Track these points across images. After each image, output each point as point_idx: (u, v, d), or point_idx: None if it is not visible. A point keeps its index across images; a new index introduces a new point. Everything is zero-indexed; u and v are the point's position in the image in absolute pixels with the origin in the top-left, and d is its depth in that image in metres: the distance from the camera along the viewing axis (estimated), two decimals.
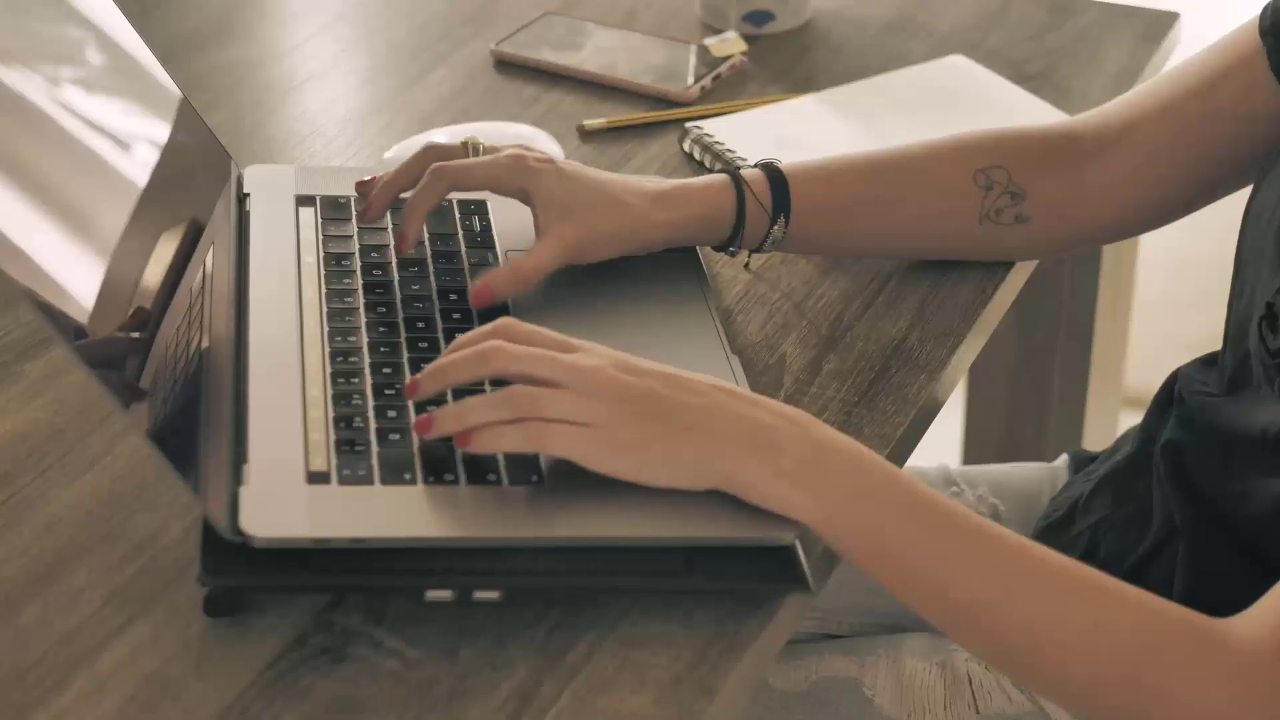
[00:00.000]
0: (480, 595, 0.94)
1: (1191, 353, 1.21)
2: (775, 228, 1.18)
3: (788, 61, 1.53)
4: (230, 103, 1.47)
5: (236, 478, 0.96)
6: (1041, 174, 1.20)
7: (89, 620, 0.96)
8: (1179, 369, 1.19)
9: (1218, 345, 1.15)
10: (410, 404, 1.03)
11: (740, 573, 0.96)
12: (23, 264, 0.91)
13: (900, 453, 1.11)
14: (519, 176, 1.14)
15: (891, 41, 1.55)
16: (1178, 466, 1.13)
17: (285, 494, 0.96)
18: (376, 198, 1.17)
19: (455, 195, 1.22)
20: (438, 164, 1.14)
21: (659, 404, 0.96)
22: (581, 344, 0.99)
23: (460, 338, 1.01)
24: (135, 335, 0.98)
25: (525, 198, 1.14)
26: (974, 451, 1.85)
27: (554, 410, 0.96)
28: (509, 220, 1.21)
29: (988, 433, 1.82)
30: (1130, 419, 1.78)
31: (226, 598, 0.96)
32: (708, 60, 1.50)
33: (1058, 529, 1.22)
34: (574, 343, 0.99)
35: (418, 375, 1.00)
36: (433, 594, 0.94)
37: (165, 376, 0.98)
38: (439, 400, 1.01)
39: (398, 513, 0.96)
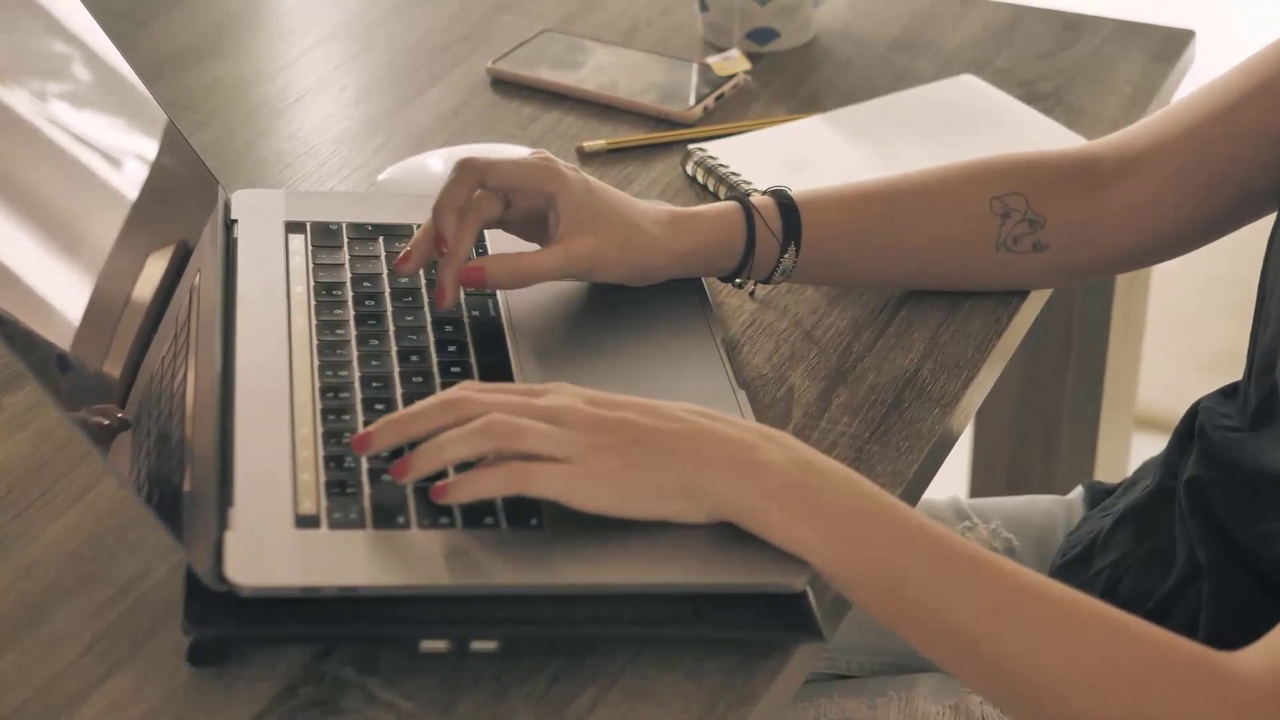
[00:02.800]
0: (477, 645, 0.91)
1: (1202, 373, 1.18)
2: (786, 256, 1.14)
3: (792, 80, 1.49)
4: (221, 121, 1.44)
5: (222, 522, 0.93)
6: (1061, 201, 1.17)
7: (69, 669, 0.93)
8: (1199, 401, 1.16)
9: (1227, 363, 1.12)
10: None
11: (750, 620, 0.93)
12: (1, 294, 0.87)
13: (914, 491, 1.08)
14: (548, 179, 1.11)
15: (898, 60, 1.52)
16: (1201, 504, 1.10)
17: (273, 539, 0.93)
18: (415, 244, 1.11)
19: None
20: (465, 157, 1.11)
21: (637, 432, 0.93)
22: (549, 386, 0.97)
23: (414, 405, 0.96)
24: (116, 370, 0.94)
25: (549, 201, 1.11)
26: (981, 479, 1.81)
27: (534, 442, 0.92)
28: (508, 249, 1.17)
29: (995, 459, 1.79)
30: (1142, 442, 1.75)
31: (212, 647, 0.92)
32: (710, 79, 1.47)
33: (1076, 566, 1.19)
34: (540, 387, 0.96)
35: (369, 428, 0.95)
36: (428, 644, 0.91)
37: (147, 413, 0.94)
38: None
39: (390, 559, 0.93)
